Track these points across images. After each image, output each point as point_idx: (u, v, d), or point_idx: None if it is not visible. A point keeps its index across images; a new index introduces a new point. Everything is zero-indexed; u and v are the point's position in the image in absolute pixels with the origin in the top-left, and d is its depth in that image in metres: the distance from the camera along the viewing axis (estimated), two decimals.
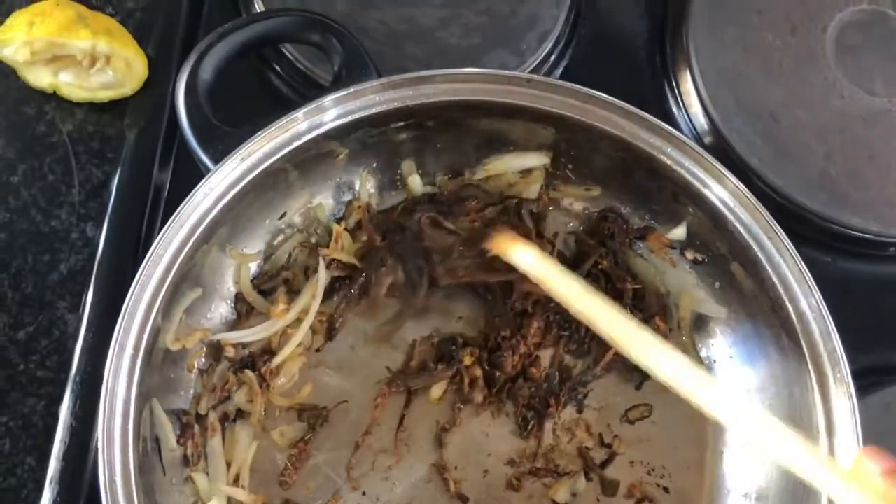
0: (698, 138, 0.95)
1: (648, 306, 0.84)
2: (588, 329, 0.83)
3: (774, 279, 0.75)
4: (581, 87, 0.77)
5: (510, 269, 0.73)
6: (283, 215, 0.83)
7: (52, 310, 0.86)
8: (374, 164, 0.85)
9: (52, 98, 0.93)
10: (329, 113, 0.75)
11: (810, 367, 0.72)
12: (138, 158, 0.92)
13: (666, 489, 0.81)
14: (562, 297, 0.68)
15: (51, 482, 0.79)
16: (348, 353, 0.83)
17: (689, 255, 0.84)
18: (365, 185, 0.85)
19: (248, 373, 0.78)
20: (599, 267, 0.85)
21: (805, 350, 0.73)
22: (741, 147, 0.93)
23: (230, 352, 0.79)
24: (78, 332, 0.84)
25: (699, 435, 0.82)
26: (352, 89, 0.75)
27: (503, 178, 0.87)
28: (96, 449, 0.67)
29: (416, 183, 0.86)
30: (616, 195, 0.86)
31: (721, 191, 0.77)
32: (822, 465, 0.58)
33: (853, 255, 0.94)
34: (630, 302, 0.83)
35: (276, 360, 0.79)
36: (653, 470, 0.81)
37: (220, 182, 0.72)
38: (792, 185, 0.92)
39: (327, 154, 0.81)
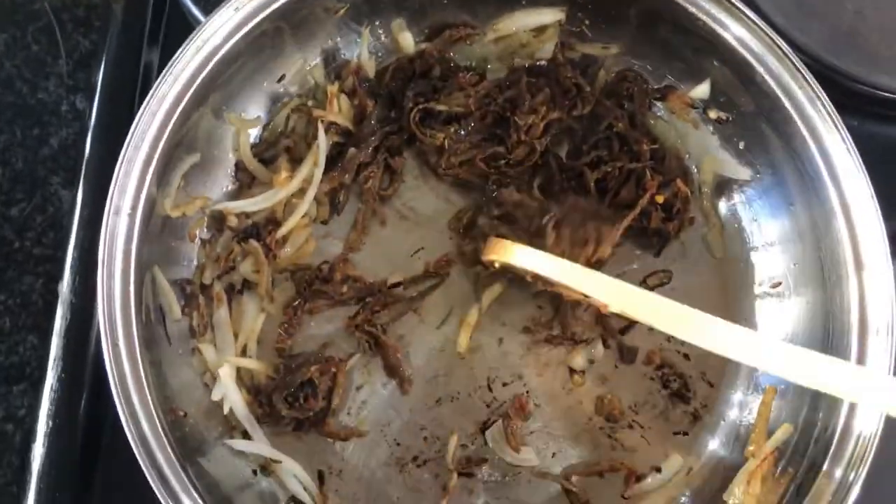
0: None
1: (669, 169, 0.80)
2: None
3: (804, 132, 0.71)
4: None
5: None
6: (282, 78, 0.79)
7: (46, 185, 0.82)
8: (377, 22, 0.80)
9: None
10: None
11: (840, 217, 0.69)
12: (126, 26, 0.87)
13: (686, 356, 0.78)
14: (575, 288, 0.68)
15: (55, 359, 0.77)
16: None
17: (713, 114, 0.80)
18: (365, 45, 0.80)
19: (253, 243, 0.75)
20: (615, 129, 0.80)
21: (835, 201, 0.69)
22: (766, 4, 0.87)
23: (233, 221, 0.75)
24: (73, 207, 0.81)
25: (721, 302, 0.79)
26: None
27: (514, 38, 0.82)
28: (98, 322, 0.65)
29: (407, 41, 0.80)
30: (636, 53, 0.81)
31: (749, 39, 0.73)
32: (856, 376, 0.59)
33: (881, 118, 0.89)
34: (649, 164, 0.79)
35: (282, 231, 0.76)
36: (672, 337, 0.78)
37: (214, 34, 0.68)
38: (819, 44, 0.87)
39: (325, 9, 0.75)
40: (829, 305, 0.71)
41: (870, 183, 0.69)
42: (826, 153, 0.70)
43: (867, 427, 0.66)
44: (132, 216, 0.65)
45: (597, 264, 0.74)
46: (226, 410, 0.71)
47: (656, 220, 0.79)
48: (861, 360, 0.66)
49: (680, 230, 0.80)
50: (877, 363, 0.66)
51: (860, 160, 0.69)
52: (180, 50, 0.66)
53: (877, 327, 0.66)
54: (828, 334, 0.70)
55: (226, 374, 0.70)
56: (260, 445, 0.71)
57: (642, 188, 0.78)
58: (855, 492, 0.65)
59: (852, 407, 0.67)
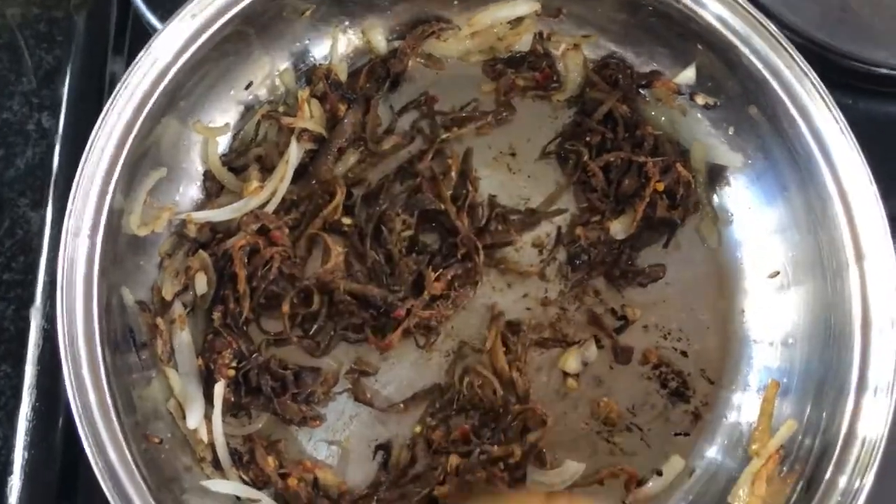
0: None
1: (665, 154, 0.76)
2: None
3: (794, 112, 0.68)
4: None
5: None
6: (250, 85, 0.76)
7: (13, 208, 0.79)
8: (347, 23, 0.77)
9: None
10: None
11: (837, 202, 0.66)
12: (90, 40, 0.84)
13: (684, 353, 0.75)
14: None
15: (29, 388, 0.74)
16: None
17: (700, 100, 0.77)
18: (337, 46, 0.77)
19: (202, 253, 0.72)
20: (619, 112, 0.77)
21: (831, 185, 0.66)
22: None
23: (192, 230, 0.72)
24: (42, 230, 0.78)
25: (717, 293, 0.76)
26: None
27: (491, 33, 0.79)
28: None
29: (378, 41, 0.78)
30: (618, 40, 0.78)
31: (732, 19, 0.69)
32: None
33: (878, 95, 0.85)
34: (647, 149, 0.76)
35: (230, 242, 0.72)
36: (669, 334, 0.75)
37: (171, 42, 0.65)
38: (810, 22, 0.83)
39: (290, 11, 0.72)
40: (830, 297, 0.67)
41: (867, 165, 0.65)
42: (818, 134, 0.67)
43: (872, 431, 0.64)
44: (92, 237, 0.62)
45: None
46: (204, 437, 0.68)
47: (662, 209, 0.75)
48: (865, 355, 0.63)
49: (685, 217, 0.76)
50: (881, 358, 0.63)
51: (854, 140, 0.66)
52: (135, 61, 0.63)
53: (880, 325, 0.63)
54: (829, 327, 0.67)
55: (218, 393, 0.68)
56: (236, 485, 0.67)
57: (644, 176, 0.75)
58: (865, 491, 0.62)
59: (857, 407, 0.64)
